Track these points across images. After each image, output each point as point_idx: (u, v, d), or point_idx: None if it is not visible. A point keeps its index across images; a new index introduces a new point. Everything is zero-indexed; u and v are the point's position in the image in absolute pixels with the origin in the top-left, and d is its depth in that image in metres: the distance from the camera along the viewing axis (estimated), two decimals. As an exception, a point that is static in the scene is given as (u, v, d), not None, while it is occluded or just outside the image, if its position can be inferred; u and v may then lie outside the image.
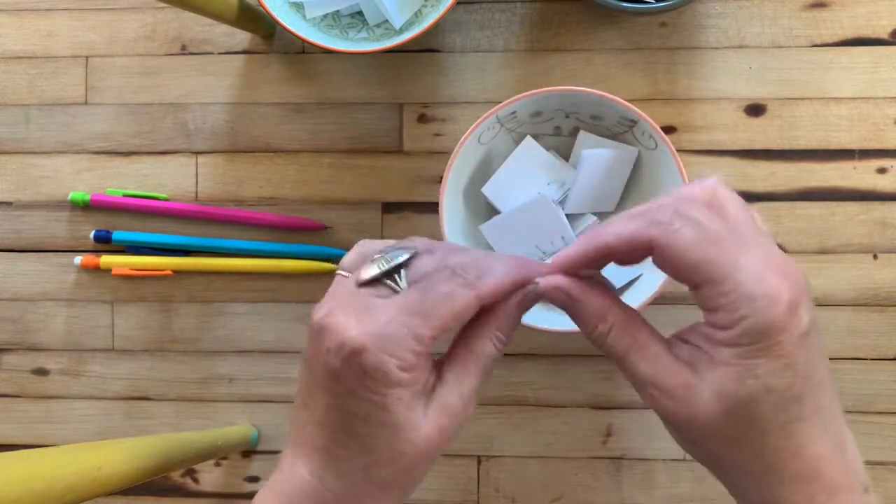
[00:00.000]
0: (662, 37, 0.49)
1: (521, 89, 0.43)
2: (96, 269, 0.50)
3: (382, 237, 0.50)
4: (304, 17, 0.47)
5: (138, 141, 0.51)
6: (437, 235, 0.49)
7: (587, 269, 0.30)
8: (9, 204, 0.52)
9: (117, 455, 0.34)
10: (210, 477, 0.50)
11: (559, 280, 0.29)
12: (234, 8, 0.44)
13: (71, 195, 0.50)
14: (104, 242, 0.50)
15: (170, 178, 0.51)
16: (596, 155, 0.44)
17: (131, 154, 0.51)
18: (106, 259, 0.50)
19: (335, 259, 0.50)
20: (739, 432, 0.27)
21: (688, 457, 0.48)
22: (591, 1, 0.45)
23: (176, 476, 0.50)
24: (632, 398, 0.48)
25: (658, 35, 0.49)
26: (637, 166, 0.45)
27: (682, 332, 0.30)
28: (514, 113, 0.44)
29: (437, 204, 0.49)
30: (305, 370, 0.29)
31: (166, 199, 0.50)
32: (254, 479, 0.50)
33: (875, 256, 0.48)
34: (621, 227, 0.27)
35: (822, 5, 0.48)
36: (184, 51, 0.51)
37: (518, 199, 0.44)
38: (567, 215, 0.45)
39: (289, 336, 0.50)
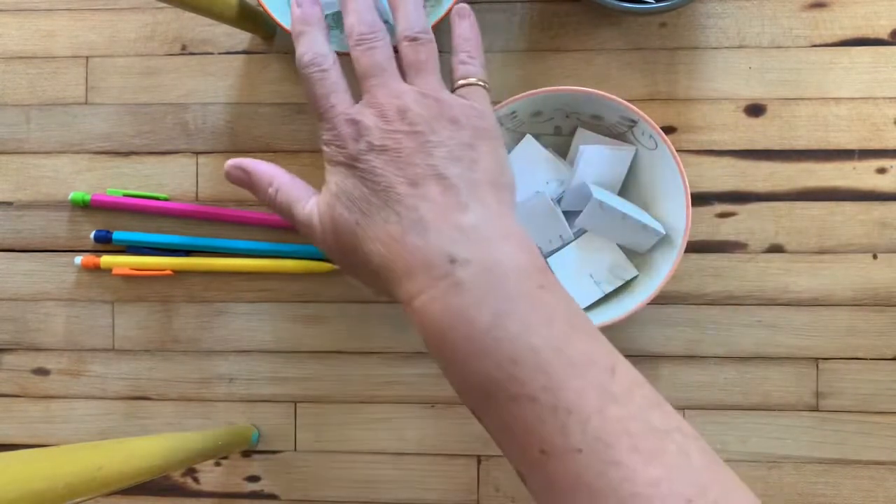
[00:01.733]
0: (662, 37, 0.49)
1: (521, 89, 0.43)
2: (97, 269, 0.50)
3: (382, 237, 0.50)
4: None
5: (139, 141, 0.51)
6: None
7: None
8: (9, 204, 0.52)
9: (117, 455, 0.34)
10: (210, 477, 0.50)
11: (234, 161, 0.38)
12: (235, 8, 0.44)
13: (71, 195, 0.50)
14: (104, 242, 0.50)
15: (170, 178, 0.51)
16: (593, 150, 0.44)
17: (132, 154, 0.51)
18: (106, 259, 0.50)
19: (335, 259, 0.50)
20: (341, 242, 0.33)
21: (687, 457, 0.48)
22: (590, 1, 0.45)
23: (176, 476, 0.50)
24: (632, 398, 0.48)
25: (658, 35, 0.49)
26: (636, 166, 0.45)
27: None
28: (514, 113, 0.44)
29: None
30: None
31: (167, 199, 0.50)
32: (254, 479, 0.50)
33: (875, 256, 0.48)
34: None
35: (821, 5, 0.48)
36: (184, 51, 0.51)
37: (517, 197, 0.45)
38: (564, 212, 0.46)
39: (289, 336, 0.50)
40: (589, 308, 0.45)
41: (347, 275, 0.38)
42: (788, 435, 0.48)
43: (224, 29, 0.50)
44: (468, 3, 0.39)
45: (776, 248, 0.48)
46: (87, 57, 0.51)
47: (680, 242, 0.42)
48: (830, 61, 0.48)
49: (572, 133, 0.47)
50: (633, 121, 0.43)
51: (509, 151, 0.45)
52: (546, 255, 0.46)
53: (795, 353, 0.48)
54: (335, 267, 0.49)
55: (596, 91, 0.42)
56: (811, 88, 0.48)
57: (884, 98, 0.48)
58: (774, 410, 0.48)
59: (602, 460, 0.26)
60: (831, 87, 0.48)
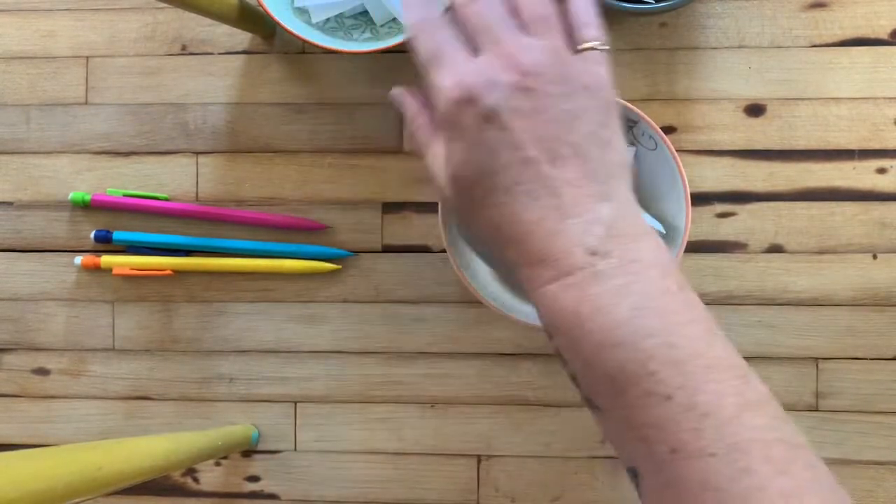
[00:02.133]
0: (662, 37, 0.49)
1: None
2: (97, 269, 0.50)
3: (382, 237, 0.50)
4: (310, 21, 0.47)
5: (139, 141, 0.51)
6: (438, 235, 0.49)
7: None
8: (9, 204, 0.52)
9: (117, 455, 0.34)
10: (210, 477, 0.50)
11: (398, 91, 0.35)
12: (235, 8, 0.44)
13: (71, 195, 0.50)
14: (105, 242, 0.50)
15: (170, 178, 0.51)
16: None
17: (132, 154, 0.51)
18: (106, 259, 0.50)
19: (335, 259, 0.50)
20: (466, 206, 0.31)
21: (687, 457, 0.48)
22: (590, 1, 0.45)
23: (176, 476, 0.50)
24: (631, 398, 0.48)
25: (658, 35, 0.49)
26: (636, 166, 0.45)
27: None
28: None
29: (436, 204, 0.50)
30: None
31: (167, 199, 0.50)
32: (254, 479, 0.50)
33: (874, 256, 0.48)
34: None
35: (821, 5, 0.48)
36: (184, 51, 0.51)
37: None
38: None
39: (289, 336, 0.50)
40: None
41: (464, 233, 0.35)
42: (788, 435, 0.48)
43: (224, 29, 0.50)
44: None
45: (776, 248, 0.48)
46: (87, 57, 0.51)
47: (680, 242, 0.42)
48: (830, 61, 0.48)
49: None
50: (633, 121, 0.43)
51: None
52: None
53: (795, 353, 0.48)
54: (335, 267, 0.49)
55: (645, 117, 0.41)
56: (811, 88, 0.48)
57: (884, 98, 0.48)
58: (774, 410, 0.48)
59: (735, 466, 0.25)
60: (831, 87, 0.48)
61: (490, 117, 0.29)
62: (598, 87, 0.31)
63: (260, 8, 0.45)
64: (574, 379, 0.29)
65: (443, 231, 0.43)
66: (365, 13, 0.48)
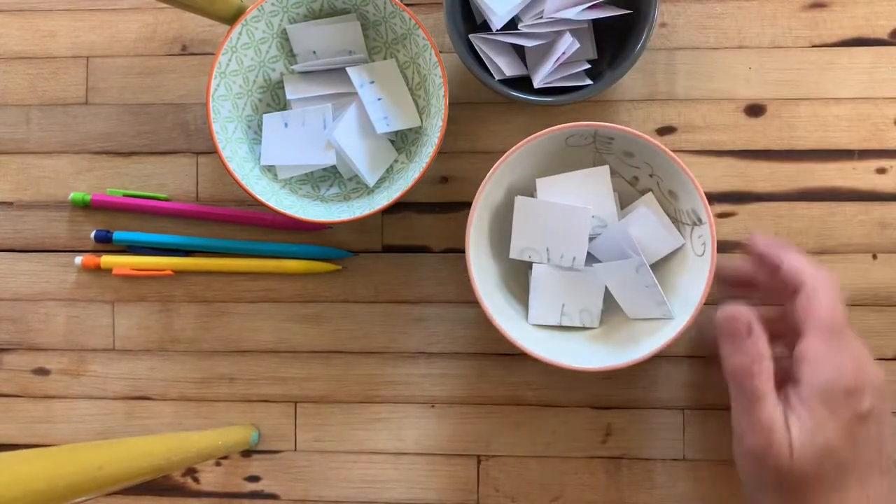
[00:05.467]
0: (662, 37, 0.49)
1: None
2: (97, 269, 0.50)
3: (382, 237, 0.50)
4: (276, 177, 0.48)
5: (139, 141, 0.51)
6: (438, 235, 0.49)
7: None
8: (9, 204, 0.52)
9: (117, 455, 0.34)
10: (210, 477, 0.50)
11: (744, 310, 0.38)
12: (235, 9, 0.44)
13: (71, 195, 0.50)
14: (105, 242, 0.50)
15: (170, 179, 0.51)
16: (649, 215, 0.43)
17: (132, 154, 0.51)
18: (106, 259, 0.50)
19: (335, 259, 0.50)
20: (807, 483, 0.33)
21: (687, 456, 0.48)
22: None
23: (176, 476, 0.51)
24: (631, 398, 0.48)
25: (658, 35, 0.49)
26: (672, 259, 0.44)
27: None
28: (612, 139, 0.42)
29: (437, 204, 0.50)
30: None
31: (167, 200, 0.50)
32: (254, 479, 0.50)
33: (874, 256, 0.48)
34: (794, 263, 0.38)
35: (821, 5, 0.48)
36: (184, 51, 0.51)
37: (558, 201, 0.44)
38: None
39: (289, 336, 0.50)
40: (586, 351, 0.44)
41: (751, 487, 0.38)
42: (788, 435, 0.48)
43: (224, 29, 0.50)
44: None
45: (776, 248, 0.48)
46: (87, 57, 0.51)
47: (677, 331, 0.41)
48: (830, 61, 0.48)
49: (643, 192, 0.45)
50: (701, 221, 0.41)
51: (586, 167, 0.45)
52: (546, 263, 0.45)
53: (795, 353, 0.48)
54: (335, 267, 0.49)
55: (694, 179, 0.40)
56: (811, 88, 0.48)
57: (884, 98, 0.48)
58: (774, 410, 0.48)
59: None
60: (831, 87, 0.48)
61: (871, 412, 0.34)
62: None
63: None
64: None
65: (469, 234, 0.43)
66: (333, 166, 0.48)
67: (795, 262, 0.38)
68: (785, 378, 0.37)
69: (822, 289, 0.36)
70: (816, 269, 0.37)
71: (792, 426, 0.34)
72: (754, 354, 0.36)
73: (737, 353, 0.37)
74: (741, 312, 0.37)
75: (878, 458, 0.34)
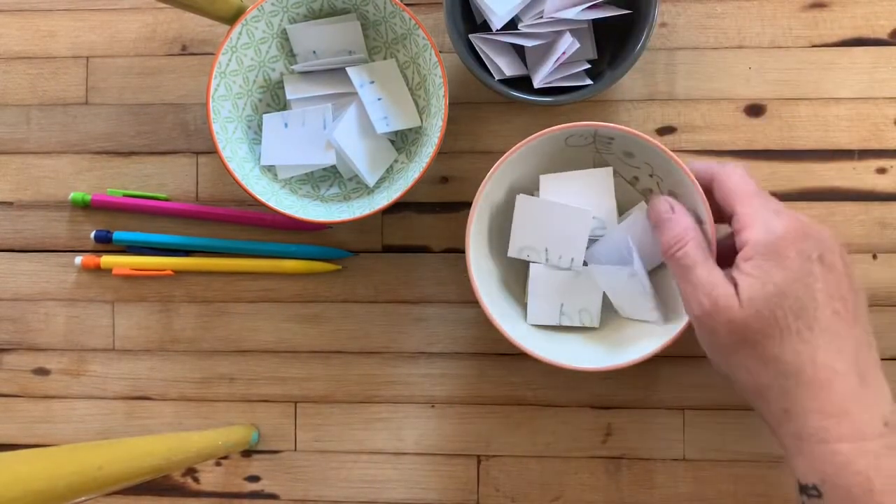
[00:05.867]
0: (662, 37, 0.49)
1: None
2: (97, 269, 0.50)
3: (382, 237, 0.50)
4: (276, 177, 0.48)
5: (139, 141, 0.51)
6: (438, 235, 0.49)
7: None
8: (9, 204, 0.52)
9: (117, 455, 0.34)
10: (210, 477, 0.50)
11: (667, 198, 0.40)
12: (235, 9, 0.44)
13: (71, 195, 0.50)
14: (105, 242, 0.50)
15: (170, 179, 0.51)
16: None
17: (132, 154, 0.51)
18: (106, 259, 0.50)
19: (335, 259, 0.50)
20: (765, 331, 0.33)
21: (687, 456, 0.48)
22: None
23: (176, 476, 0.51)
24: (631, 398, 0.48)
25: (658, 35, 0.49)
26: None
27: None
28: (612, 139, 0.42)
29: (437, 204, 0.50)
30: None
31: (167, 200, 0.50)
32: (254, 479, 0.50)
33: (874, 256, 0.48)
34: (699, 165, 0.40)
35: (821, 5, 0.48)
36: (184, 51, 0.51)
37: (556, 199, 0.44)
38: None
39: (289, 336, 0.50)
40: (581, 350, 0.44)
41: (717, 359, 0.37)
42: (788, 435, 0.48)
43: (224, 29, 0.50)
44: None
45: (776, 248, 0.48)
46: (87, 57, 0.51)
47: (677, 331, 0.40)
48: (830, 61, 0.48)
49: (643, 192, 0.45)
50: (701, 221, 0.40)
51: (586, 167, 0.44)
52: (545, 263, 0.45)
53: (795, 353, 0.48)
54: (335, 267, 0.49)
55: (694, 180, 0.40)
56: (811, 88, 0.48)
57: (884, 98, 0.48)
58: (774, 410, 0.48)
59: None
60: (831, 87, 0.48)
61: (821, 258, 0.33)
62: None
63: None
64: None
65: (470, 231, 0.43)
66: (333, 166, 0.48)
67: (702, 164, 0.40)
68: (733, 254, 0.37)
69: (730, 170, 0.38)
70: (725, 163, 0.39)
71: (739, 281, 0.34)
72: (679, 228, 0.38)
73: (665, 232, 0.38)
74: (661, 200, 0.40)
75: (843, 307, 0.33)
